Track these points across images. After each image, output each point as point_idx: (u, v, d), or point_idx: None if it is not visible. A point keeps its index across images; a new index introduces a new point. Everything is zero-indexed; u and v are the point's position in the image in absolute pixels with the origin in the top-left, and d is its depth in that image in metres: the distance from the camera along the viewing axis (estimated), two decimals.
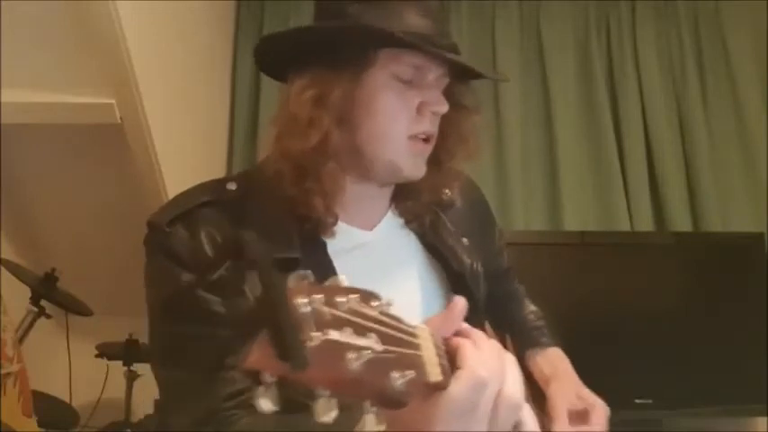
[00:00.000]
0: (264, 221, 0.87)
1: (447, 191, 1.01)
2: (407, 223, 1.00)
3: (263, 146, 0.93)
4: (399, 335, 0.51)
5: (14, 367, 1.71)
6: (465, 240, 1.05)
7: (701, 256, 2.36)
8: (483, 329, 1.03)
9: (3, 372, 1.65)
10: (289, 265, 0.82)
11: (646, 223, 2.55)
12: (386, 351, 0.47)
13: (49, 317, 2.29)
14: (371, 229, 0.97)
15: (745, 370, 2.15)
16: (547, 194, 2.67)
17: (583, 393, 1.06)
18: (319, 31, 0.91)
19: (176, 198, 0.93)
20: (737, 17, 2.72)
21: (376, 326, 0.48)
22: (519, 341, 1.17)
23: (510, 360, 0.63)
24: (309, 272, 0.46)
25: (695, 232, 2.54)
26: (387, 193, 0.99)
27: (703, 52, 2.72)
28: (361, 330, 0.46)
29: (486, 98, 2.70)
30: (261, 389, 0.43)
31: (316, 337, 0.42)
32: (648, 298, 2.25)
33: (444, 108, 0.91)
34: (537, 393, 1.10)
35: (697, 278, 2.35)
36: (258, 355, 0.42)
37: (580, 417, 1.03)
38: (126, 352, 2.31)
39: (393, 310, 0.51)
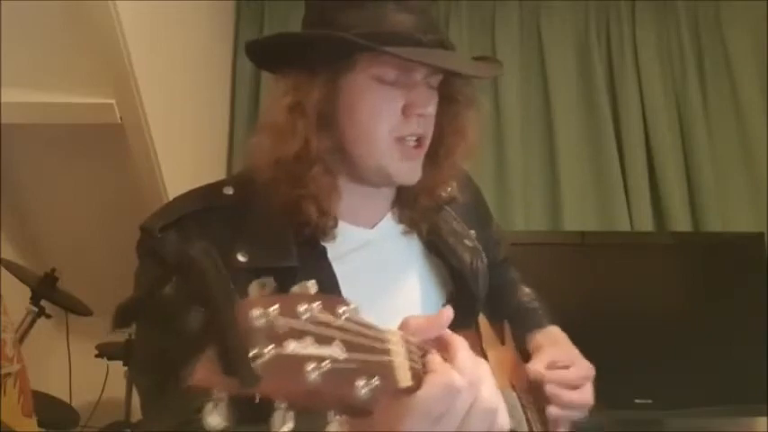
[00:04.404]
0: (261, 229, 0.86)
1: (447, 188, 0.99)
2: (407, 229, 0.99)
3: (253, 149, 0.91)
4: (367, 341, 0.50)
5: (14, 367, 1.71)
6: (473, 233, 1.04)
7: (701, 256, 2.35)
8: (478, 325, 1.04)
9: (3, 372, 1.65)
10: (286, 275, 0.82)
11: (646, 223, 2.55)
12: (349, 359, 0.47)
13: (49, 317, 2.29)
14: (373, 227, 0.97)
15: (745, 370, 2.15)
16: (547, 194, 2.67)
17: (572, 353, 1.05)
18: (294, 37, 0.90)
19: (171, 203, 0.92)
20: (737, 17, 2.72)
21: (340, 333, 0.47)
22: (517, 325, 1.17)
23: (485, 367, 0.63)
24: (271, 279, 0.46)
25: (695, 232, 2.54)
26: (387, 193, 0.98)
27: (703, 52, 2.72)
28: (322, 339, 0.45)
29: (487, 98, 2.70)
30: (209, 405, 0.42)
31: (269, 350, 0.42)
32: (648, 298, 2.25)
33: (431, 109, 0.89)
34: (535, 389, 1.11)
35: (697, 278, 2.35)
36: (204, 372, 0.41)
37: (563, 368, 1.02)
38: (126, 352, 2.31)
39: (362, 315, 0.50)
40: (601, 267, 2.33)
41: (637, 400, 2.13)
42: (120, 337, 2.32)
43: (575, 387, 0.99)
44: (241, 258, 0.82)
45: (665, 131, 2.62)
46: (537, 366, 1.00)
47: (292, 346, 0.43)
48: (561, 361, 1.02)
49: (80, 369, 2.49)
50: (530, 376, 1.01)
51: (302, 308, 0.45)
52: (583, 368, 1.02)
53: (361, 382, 0.47)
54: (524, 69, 2.75)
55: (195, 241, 0.84)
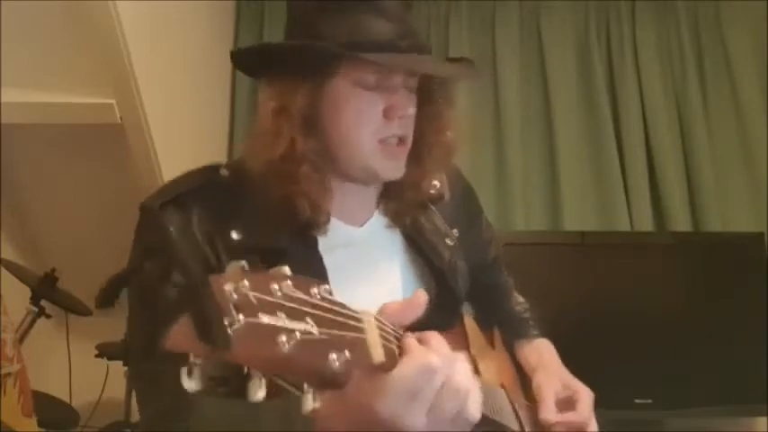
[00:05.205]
0: (254, 211, 0.88)
1: (436, 183, 1.02)
2: (392, 222, 1.02)
3: (244, 153, 0.95)
4: (339, 318, 0.51)
5: (14, 367, 1.71)
6: (455, 231, 1.07)
7: (701, 256, 2.35)
8: (462, 322, 1.06)
9: (3, 372, 1.65)
10: (274, 256, 0.84)
11: (646, 223, 2.55)
12: (322, 333, 0.48)
13: (49, 317, 2.29)
14: (361, 226, 1.00)
15: (745, 370, 2.15)
16: (547, 194, 2.67)
17: (568, 381, 1.09)
18: (277, 48, 0.93)
19: (169, 183, 0.94)
20: (737, 17, 2.72)
21: (312, 310, 0.49)
22: (507, 332, 1.20)
23: (461, 355, 0.64)
24: (244, 262, 0.47)
25: (695, 232, 2.54)
26: (374, 190, 1.01)
27: (703, 52, 2.72)
28: (295, 315, 0.47)
29: (487, 98, 2.70)
30: (184, 370, 0.44)
31: (240, 320, 0.43)
32: (648, 298, 2.25)
33: (411, 111, 0.92)
34: (525, 383, 1.12)
35: (697, 278, 2.35)
36: (179, 336, 0.43)
37: (566, 403, 1.06)
38: (126, 352, 2.31)
39: (334, 297, 0.52)
40: (601, 267, 2.33)
41: (637, 400, 2.13)
42: (120, 336, 2.32)
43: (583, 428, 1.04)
44: (235, 236, 0.84)
45: (665, 131, 2.62)
46: (548, 416, 1.04)
47: (265, 319, 0.44)
48: (562, 393, 1.06)
49: (80, 369, 2.48)
50: (542, 425, 1.04)
51: (275, 285, 0.47)
52: (586, 397, 1.06)
53: (333, 355, 0.48)
54: (524, 69, 2.75)
55: (193, 217, 0.86)
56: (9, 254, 2.40)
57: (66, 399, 2.39)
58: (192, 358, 0.45)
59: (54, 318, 2.38)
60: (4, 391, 1.65)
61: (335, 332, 0.50)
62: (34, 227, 2.59)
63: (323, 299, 0.50)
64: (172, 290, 0.44)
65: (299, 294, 0.48)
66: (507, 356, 1.17)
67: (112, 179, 2.35)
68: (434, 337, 0.62)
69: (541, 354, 1.15)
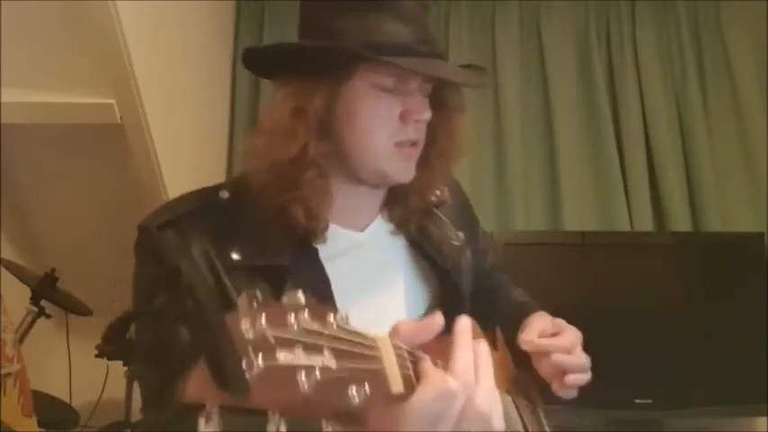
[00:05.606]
0: (255, 229, 0.88)
1: (437, 191, 1.02)
2: (396, 229, 1.02)
3: (248, 152, 0.93)
4: (356, 349, 0.50)
5: (14, 367, 1.71)
6: (461, 234, 1.07)
7: (701, 256, 2.35)
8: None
9: (3, 372, 1.65)
10: (277, 273, 0.84)
11: (646, 223, 2.55)
12: (341, 368, 0.47)
13: (49, 317, 2.29)
14: (363, 230, 0.99)
15: (745, 370, 2.15)
16: (547, 194, 2.67)
17: (557, 321, 1.06)
18: (295, 48, 0.92)
19: (168, 203, 0.94)
20: (737, 17, 2.72)
21: (330, 342, 0.47)
22: (509, 324, 1.18)
23: (485, 366, 0.63)
24: (257, 291, 0.46)
25: (695, 232, 2.54)
26: (378, 194, 1.01)
27: (703, 52, 2.72)
28: (312, 348, 0.45)
29: (487, 98, 2.70)
30: (202, 421, 0.43)
31: (259, 362, 0.42)
32: (648, 298, 2.25)
33: (427, 115, 0.92)
34: (525, 383, 1.11)
35: (697, 278, 2.35)
36: (196, 384, 0.42)
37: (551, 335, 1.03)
38: (126, 352, 2.31)
39: (350, 323, 0.51)
40: (601, 267, 2.33)
41: (637, 400, 2.13)
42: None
43: (567, 352, 1.00)
44: (235, 256, 0.84)
45: (665, 131, 2.62)
46: (529, 337, 1.01)
47: (283, 357, 0.43)
48: (549, 329, 1.03)
49: (80, 369, 2.48)
50: (522, 347, 1.01)
51: (291, 318, 0.46)
52: (572, 333, 1.03)
53: (353, 391, 0.47)
54: (524, 69, 2.75)
55: (191, 241, 0.86)
56: (9, 254, 2.40)
57: (66, 399, 2.39)
58: (208, 408, 0.43)
59: (54, 318, 2.38)
60: (4, 391, 1.65)
61: (353, 364, 0.48)
62: (34, 227, 2.58)
63: (339, 328, 0.49)
64: (185, 332, 0.43)
65: (316, 326, 0.47)
66: (509, 357, 1.17)
67: (112, 179, 2.35)
68: (460, 359, 0.61)
69: (531, 320, 1.11)
